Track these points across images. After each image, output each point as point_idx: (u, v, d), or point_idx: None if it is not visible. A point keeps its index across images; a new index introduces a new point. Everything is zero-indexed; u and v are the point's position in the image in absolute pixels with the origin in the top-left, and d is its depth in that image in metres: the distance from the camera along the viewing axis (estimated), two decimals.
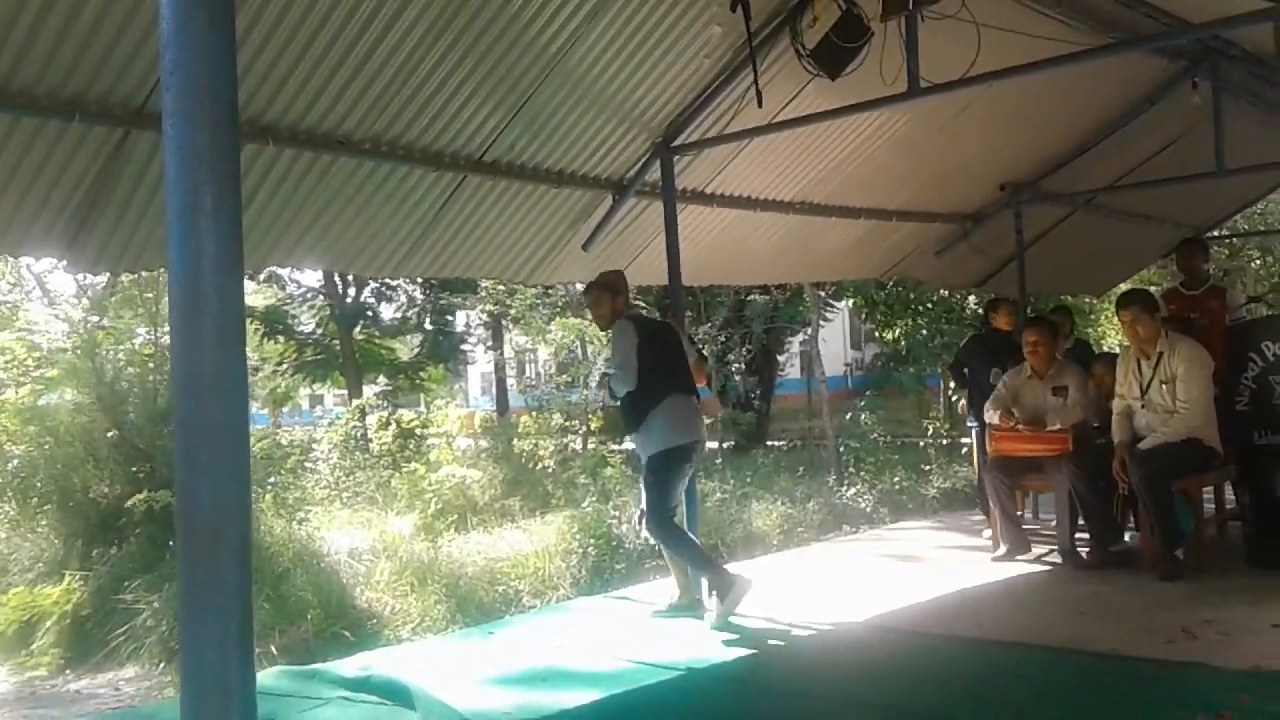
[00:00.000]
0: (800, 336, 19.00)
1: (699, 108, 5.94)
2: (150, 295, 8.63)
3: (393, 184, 5.27)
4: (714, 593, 5.32)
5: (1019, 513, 6.85)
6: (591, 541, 7.47)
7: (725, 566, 5.44)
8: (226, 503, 1.52)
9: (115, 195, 4.46)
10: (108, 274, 8.65)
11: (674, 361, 5.52)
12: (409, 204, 5.45)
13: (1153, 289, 9.93)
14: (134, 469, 7.79)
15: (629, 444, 15.78)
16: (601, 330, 5.78)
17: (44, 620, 6.76)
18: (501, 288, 13.82)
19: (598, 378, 5.74)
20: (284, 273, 18.73)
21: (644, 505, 5.52)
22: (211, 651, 1.51)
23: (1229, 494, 6.77)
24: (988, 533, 6.95)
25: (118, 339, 8.58)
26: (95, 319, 8.97)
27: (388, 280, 19.42)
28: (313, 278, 19.57)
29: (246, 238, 4.96)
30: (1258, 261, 21.06)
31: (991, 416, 6.65)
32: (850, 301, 17.69)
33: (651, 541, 5.69)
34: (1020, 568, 6.32)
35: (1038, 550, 6.55)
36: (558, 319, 14.13)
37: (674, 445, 5.36)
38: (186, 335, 1.51)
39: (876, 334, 20.51)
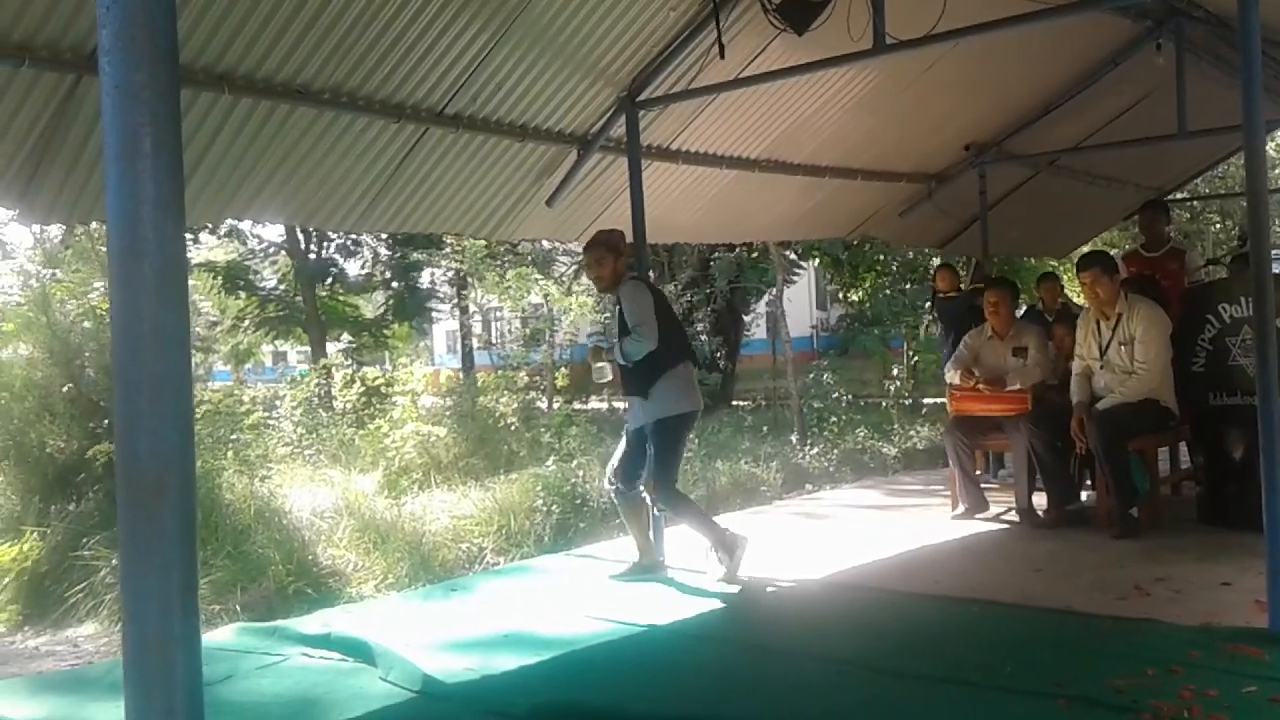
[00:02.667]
0: (766, 297, 19.03)
1: (664, 62, 5.87)
2: (104, 247, 8.47)
3: (352, 135, 5.17)
4: (717, 552, 5.32)
5: (978, 471, 6.93)
6: (555, 499, 7.48)
7: (723, 526, 5.43)
8: (167, 452, 1.49)
9: (67, 144, 4.35)
10: (62, 225, 8.48)
11: (680, 326, 5.54)
12: (369, 156, 5.36)
13: (1114, 251, 10.02)
14: (90, 424, 7.69)
15: (597, 404, 15.72)
16: (601, 291, 5.65)
17: (1, 577, 6.68)
18: (464, 243, 13.70)
19: (589, 345, 5.57)
20: (245, 227, 18.47)
21: (615, 466, 5.52)
22: (154, 604, 1.48)
23: (1184, 454, 6.88)
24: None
25: (72, 292, 8.42)
26: (50, 272, 8.80)
27: (352, 236, 19.22)
28: (275, 233, 19.35)
29: (202, 189, 4.91)
30: (1218, 225, 21.31)
31: (952, 376, 6.71)
32: (815, 262, 17.72)
33: (613, 499, 5.64)
34: (978, 526, 6.41)
35: (996, 509, 6.63)
36: (514, 272, 14.03)
37: (684, 411, 5.35)
38: (125, 280, 1.47)
39: (841, 295, 20.60)
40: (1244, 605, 4.30)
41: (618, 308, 5.37)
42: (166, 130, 1.47)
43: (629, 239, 5.69)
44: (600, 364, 5.43)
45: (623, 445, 5.58)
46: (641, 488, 5.38)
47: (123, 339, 1.50)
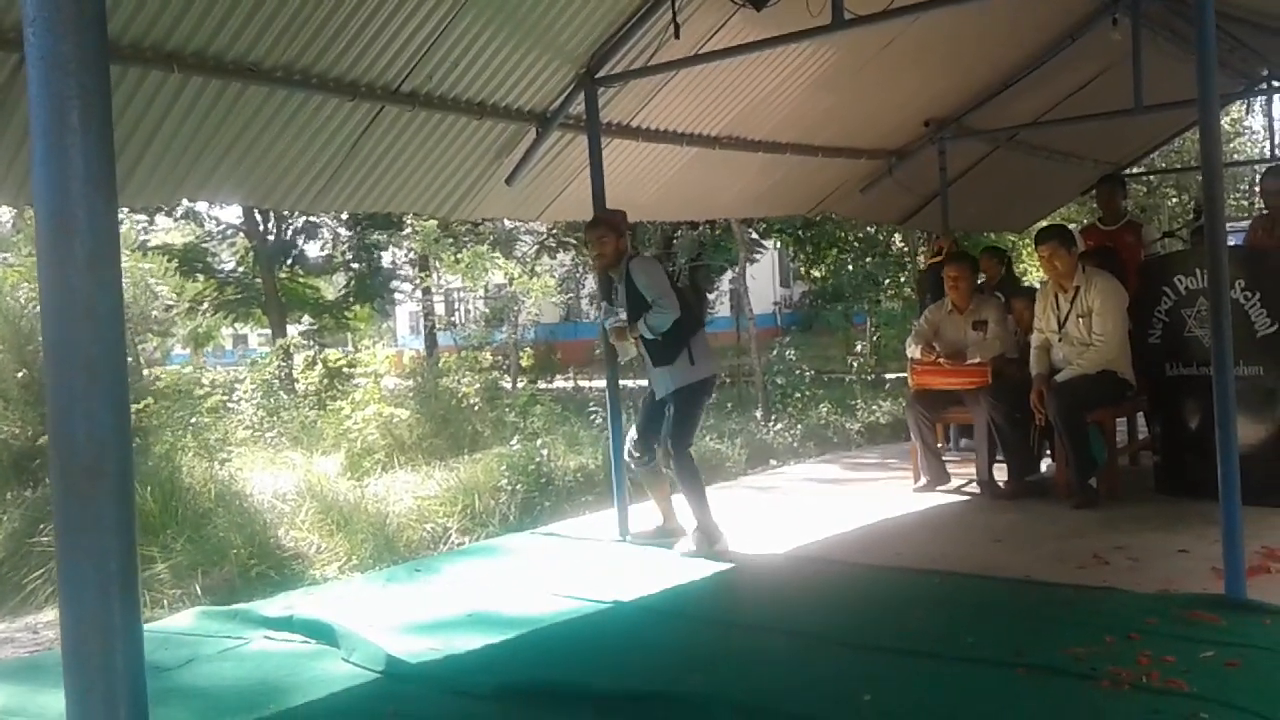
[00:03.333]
0: (729, 275, 19.05)
1: (623, 38, 5.82)
2: None
3: (306, 114, 5.08)
4: (698, 534, 5.45)
5: (939, 445, 6.98)
6: (520, 478, 7.46)
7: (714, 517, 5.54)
8: (104, 435, 1.44)
9: (11, 124, 4.25)
10: (9, 208, 8.32)
11: (687, 296, 5.72)
12: (324, 135, 5.27)
13: (1073, 225, 10.11)
14: (44, 410, 7.58)
15: (562, 383, 15.69)
16: (602, 269, 5.71)
17: None
18: (420, 223, 13.59)
19: (602, 320, 5.63)
20: (202, 209, 18.24)
21: (635, 438, 5.67)
22: (92, 594, 1.44)
23: (1141, 424, 6.97)
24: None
25: (24, 276, 8.28)
26: (0, 256, 8.64)
27: (311, 218, 19.03)
28: (232, 214, 19.11)
29: (154, 170, 4.82)
30: (1174, 199, 21.56)
31: (913, 350, 6.74)
32: (777, 241, 17.76)
33: (633, 471, 5.82)
34: (940, 498, 6.47)
35: (957, 481, 6.69)
36: (469, 251, 13.93)
37: (708, 376, 5.59)
38: (56, 260, 1.42)
39: (804, 271, 20.65)
40: (1201, 572, 4.37)
41: (624, 285, 5.46)
42: (95, 103, 1.42)
43: (587, 216, 5.71)
44: (624, 343, 5.53)
45: (642, 417, 5.72)
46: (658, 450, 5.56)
47: (54, 320, 1.45)
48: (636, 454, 5.69)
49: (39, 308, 6.83)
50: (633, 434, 5.74)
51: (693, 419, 5.59)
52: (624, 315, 5.44)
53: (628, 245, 5.62)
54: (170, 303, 11.73)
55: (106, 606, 1.45)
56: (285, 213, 17.98)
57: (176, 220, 18.74)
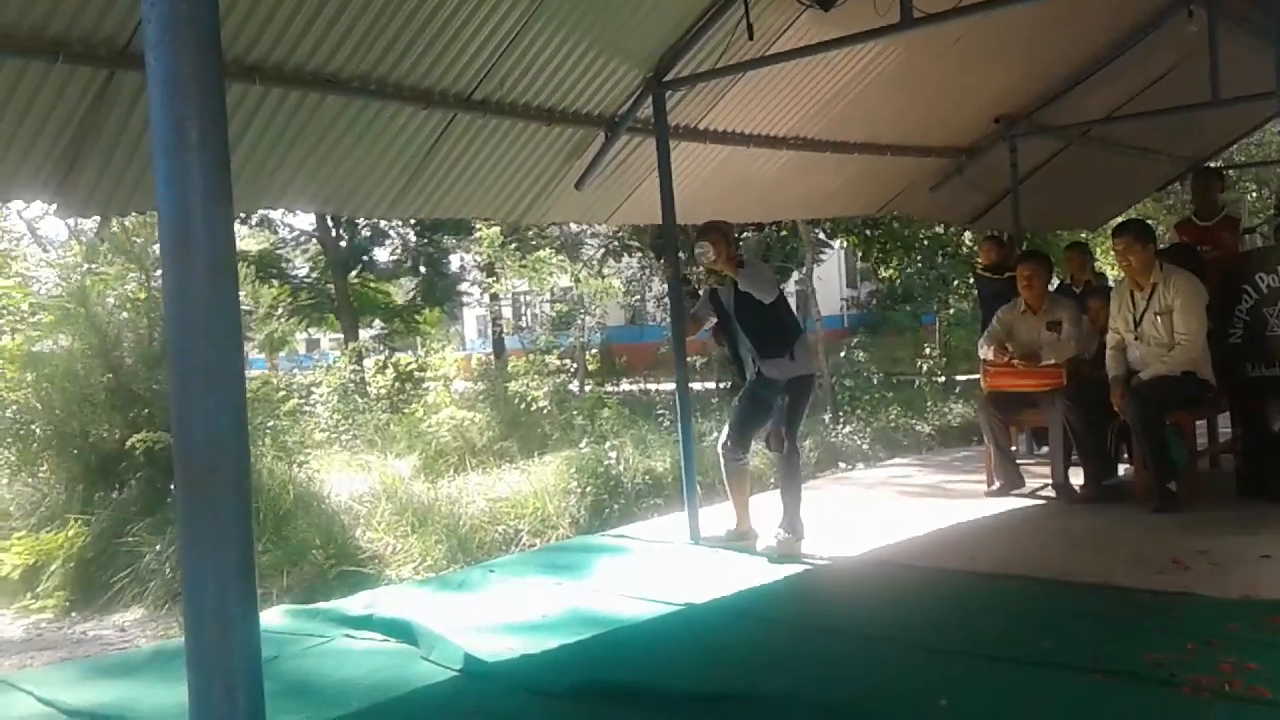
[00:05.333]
0: (795, 276, 18.96)
1: (690, 41, 5.85)
2: (139, 240, 8.57)
3: (382, 123, 5.20)
4: (786, 529, 5.48)
5: (1013, 448, 6.90)
6: (589, 481, 7.52)
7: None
8: (222, 437, 1.53)
9: (102, 137, 4.41)
10: (98, 218, 8.58)
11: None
12: (399, 143, 5.39)
13: (1149, 222, 9.91)
14: (131, 414, 7.81)
15: (629, 385, 15.71)
16: (711, 272, 5.82)
17: (49, 564, 6.81)
18: (485, 230, 13.74)
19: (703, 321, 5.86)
20: (276, 216, 18.65)
21: (734, 432, 5.74)
22: (212, 585, 1.52)
23: (1222, 426, 6.82)
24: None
25: (109, 284, 8.53)
26: (87, 264, 8.91)
27: (381, 223, 19.34)
28: (305, 221, 19.51)
29: (236, 179, 4.92)
30: (1254, 194, 21.00)
31: (986, 352, 6.67)
32: (844, 241, 17.63)
33: (724, 465, 5.86)
34: (1014, 502, 6.38)
35: (1032, 484, 6.60)
36: (534, 256, 14.05)
37: (815, 371, 5.98)
38: (178, 271, 1.51)
39: (872, 271, 20.48)
40: None
41: (733, 291, 5.55)
42: (212, 122, 1.50)
43: (655, 220, 5.79)
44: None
45: (742, 412, 5.78)
46: (768, 440, 5.66)
47: (176, 329, 1.54)
48: (731, 449, 5.76)
49: (125, 314, 7.04)
50: (729, 429, 5.81)
51: (802, 411, 5.69)
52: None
53: (736, 252, 5.72)
54: (248, 308, 12.00)
55: (225, 599, 1.53)
56: (357, 219, 18.31)
57: (252, 227, 19.17)
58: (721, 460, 5.85)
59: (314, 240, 19.80)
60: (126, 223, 8.62)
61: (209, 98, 1.49)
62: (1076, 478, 6.37)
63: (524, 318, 23.99)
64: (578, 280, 15.75)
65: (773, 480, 8.14)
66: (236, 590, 1.52)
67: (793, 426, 5.55)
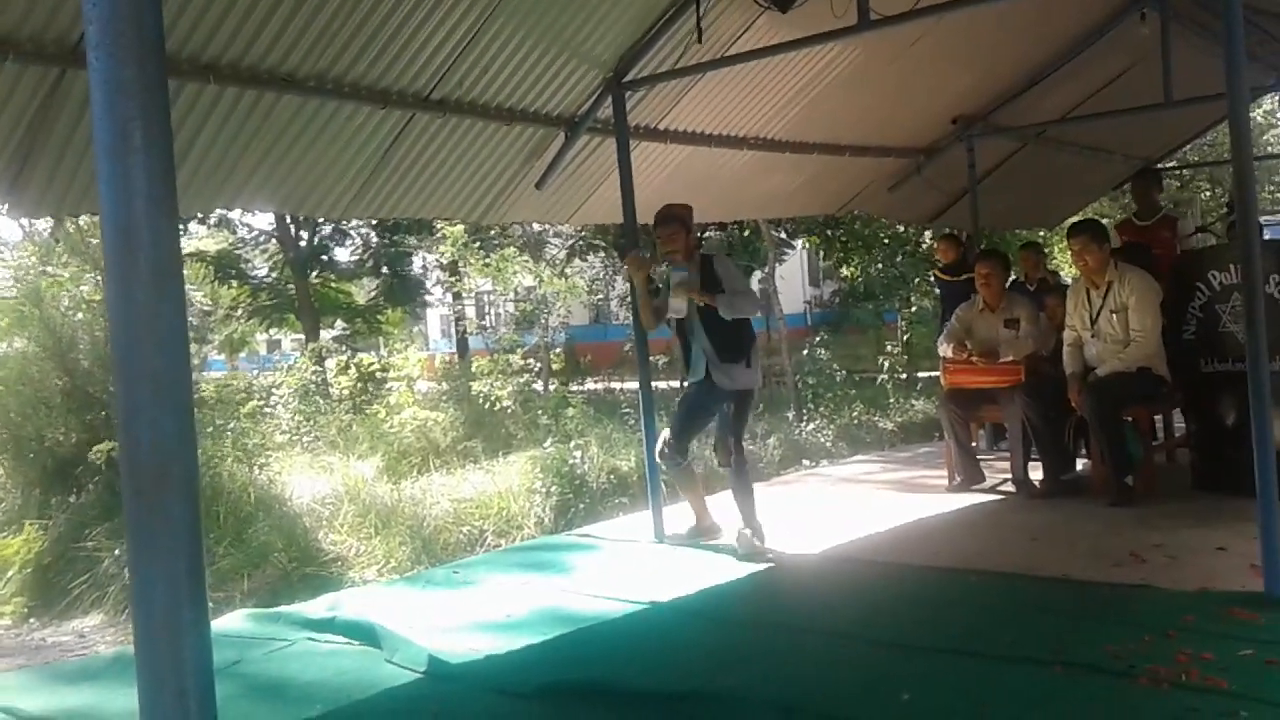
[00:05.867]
0: (759, 275, 19.03)
1: (650, 42, 5.86)
2: (95, 241, 8.47)
3: (339, 123, 5.16)
4: (747, 531, 5.46)
5: (973, 444, 6.97)
6: (554, 480, 7.52)
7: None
8: (169, 442, 1.51)
9: (54, 136, 4.34)
10: (51, 219, 8.46)
11: None
12: (356, 143, 5.34)
13: (1105, 221, 10.04)
14: (88, 417, 7.72)
15: (593, 385, 15.64)
16: (669, 260, 5.66)
17: (5, 571, 6.71)
18: (446, 230, 13.68)
19: (675, 272, 5.55)
20: (235, 216, 18.45)
21: (673, 438, 5.61)
22: (162, 591, 1.51)
23: (1177, 421, 6.92)
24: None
25: (64, 285, 8.42)
26: (42, 266, 8.79)
27: (342, 223, 19.17)
28: (265, 221, 19.31)
29: (191, 180, 4.91)
30: (1207, 193, 21.33)
31: (945, 349, 6.73)
32: (805, 240, 17.72)
33: (666, 470, 5.83)
34: (975, 497, 6.45)
35: (992, 480, 6.67)
36: (498, 255, 14.02)
37: (758, 383, 5.69)
38: (121, 274, 1.49)
39: (834, 270, 20.59)
40: (1239, 569, 4.34)
41: (699, 276, 5.39)
42: (156, 124, 1.48)
43: (616, 220, 5.73)
44: (680, 300, 5.37)
45: (682, 418, 5.69)
46: (715, 451, 5.68)
47: (121, 333, 1.52)
48: (671, 455, 5.64)
49: (80, 315, 6.95)
50: (667, 434, 5.68)
51: (748, 418, 5.69)
52: (685, 270, 5.34)
53: (697, 240, 5.63)
54: (207, 309, 11.85)
55: (176, 604, 1.51)
56: (318, 219, 18.15)
57: (210, 227, 18.95)
58: (663, 466, 5.78)
59: (274, 240, 19.59)
60: (81, 223, 8.50)
61: (153, 99, 1.47)
62: (1036, 473, 6.44)
63: (488, 317, 23.90)
64: (541, 280, 15.72)
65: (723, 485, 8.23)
66: (187, 595, 1.51)
67: (739, 437, 5.52)
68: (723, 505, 5.81)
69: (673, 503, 6.26)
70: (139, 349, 1.49)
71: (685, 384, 5.78)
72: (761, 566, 5.17)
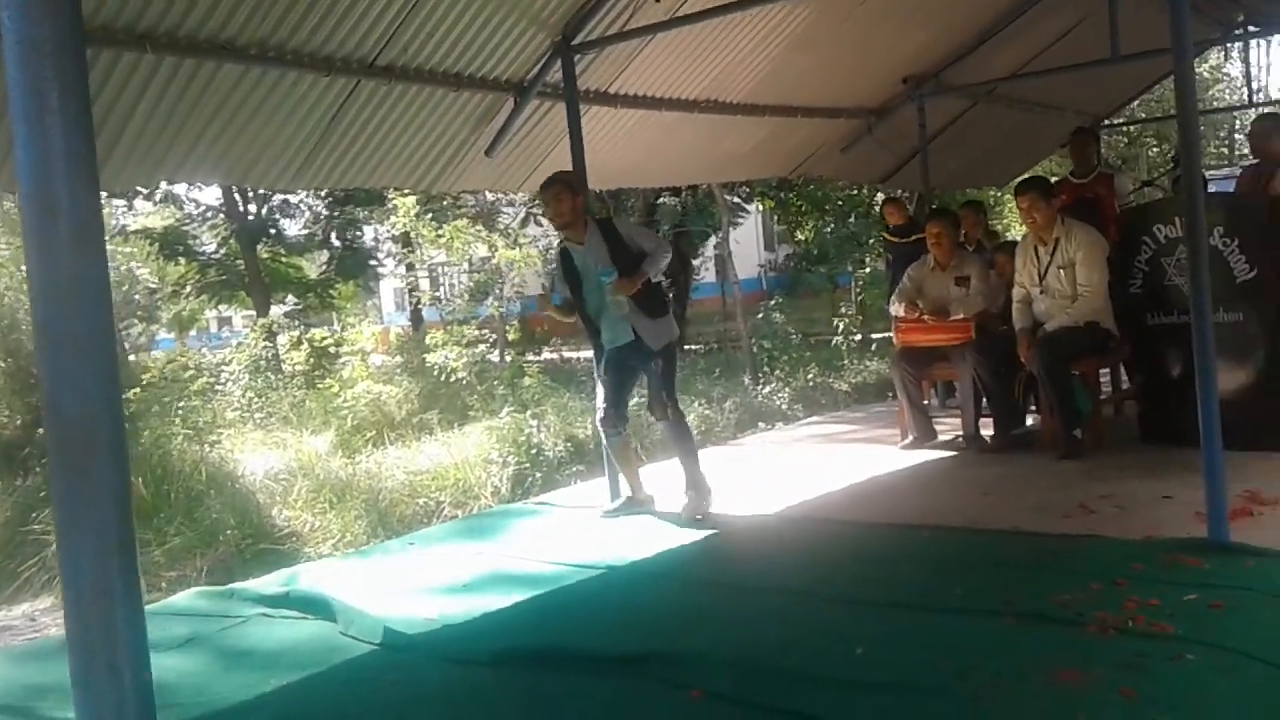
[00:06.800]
0: (713, 240, 19.03)
1: (598, 4, 5.79)
2: None
3: (282, 91, 5.06)
4: (692, 491, 5.43)
5: (925, 402, 7.04)
6: (511, 450, 7.50)
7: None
8: (95, 408, 1.48)
9: None
10: None
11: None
12: (301, 112, 5.25)
13: (1054, 178, 10.14)
14: (31, 398, 7.58)
15: (549, 354, 15.61)
16: (561, 228, 5.55)
17: None
18: (398, 201, 13.53)
19: (605, 279, 5.34)
20: (181, 192, 18.09)
21: (607, 405, 5.49)
22: (91, 561, 1.48)
23: (1124, 375, 7.03)
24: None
25: (3, 265, 8.24)
26: None
27: (289, 196, 18.89)
28: (212, 196, 18.96)
29: (131, 152, 4.80)
30: (1155, 149, 21.60)
31: (897, 309, 6.77)
32: (760, 204, 17.74)
33: (605, 440, 5.68)
34: (927, 454, 6.52)
35: (944, 437, 6.74)
36: (450, 226, 13.91)
37: (679, 334, 5.73)
38: (41, 239, 1.45)
39: (788, 234, 20.65)
40: (1185, 517, 4.43)
41: (601, 243, 5.31)
42: (73, 84, 1.44)
43: (572, 176, 5.64)
44: (622, 297, 5.28)
45: (613, 386, 5.53)
46: (650, 409, 5.58)
47: (42, 298, 1.48)
48: (609, 423, 5.54)
49: (22, 295, 6.81)
50: (601, 402, 5.56)
51: (676, 375, 5.58)
52: (614, 273, 5.24)
53: (585, 204, 5.51)
54: (153, 287, 11.70)
55: (106, 574, 1.48)
56: (264, 192, 17.86)
57: (156, 204, 18.59)
58: (603, 436, 5.66)
59: (221, 215, 19.26)
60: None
61: (69, 60, 1.43)
62: (987, 429, 6.52)
63: (441, 289, 23.74)
64: (495, 250, 15.60)
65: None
66: (117, 566, 1.48)
67: (672, 390, 5.46)
68: (668, 472, 5.82)
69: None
70: (61, 314, 1.46)
71: (604, 349, 5.55)
72: (716, 529, 5.19)
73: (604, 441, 5.72)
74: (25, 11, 1.39)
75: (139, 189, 14.44)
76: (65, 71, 1.42)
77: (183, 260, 18.84)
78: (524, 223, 20.06)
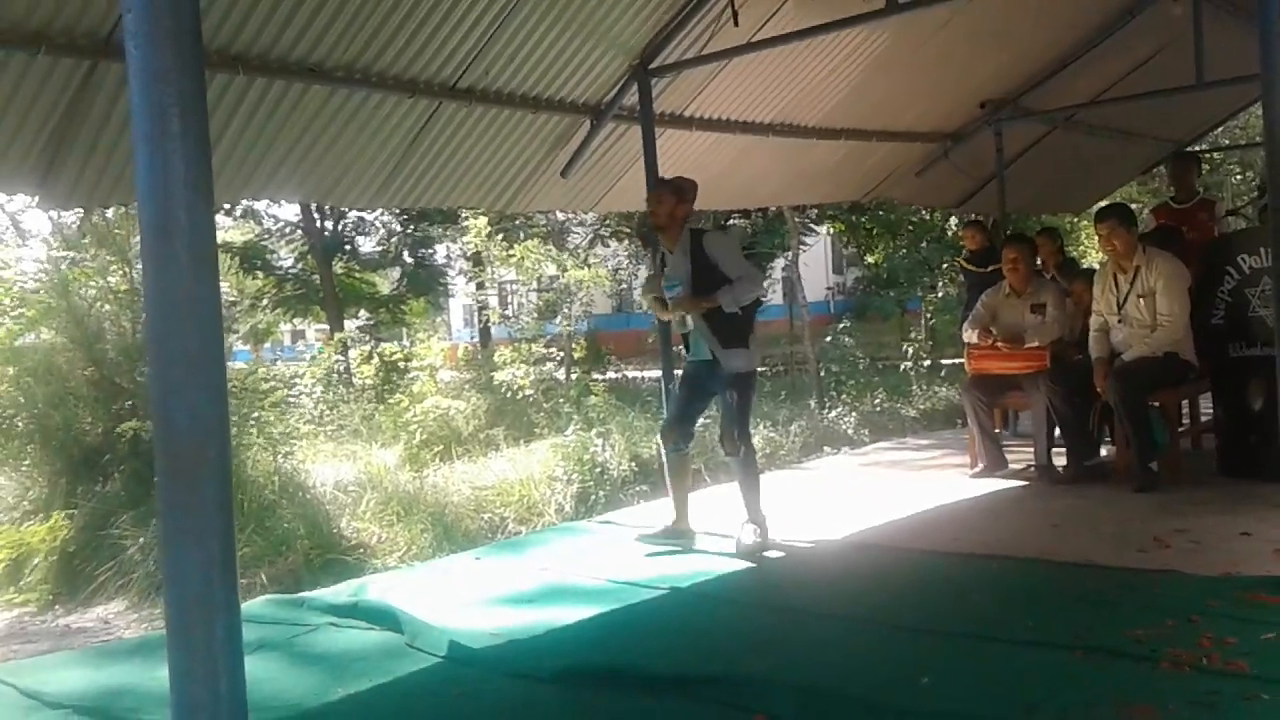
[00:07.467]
0: (781, 262, 18.98)
1: (676, 28, 5.86)
2: (121, 232, 8.53)
3: (366, 112, 5.20)
4: (752, 525, 5.26)
5: (997, 430, 6.94)
6: (576, 468, 7.53)
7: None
8: (204, 423, 1.55)
9: (85, 128, 4.40)
10: (81, 210, 8.54)
11: None
12: (384, 133, 5.39)
13: (1134, 205, 9.97)
14: (114, 406, 7.78)
15: (614, 374, 15.67)
16: (655, 229, 5.35)
17: (32, 558, 6.79)
18: (471, 221, 13.72)
19: (669, 292, 5.23)
20: (261, 207, 18.56)
21: (674, 422, 5.43)
22: (194, 572, 1.54)
23: (1204, 406, 6.87)
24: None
25: (91, 277, 8.49)
26: (68, 257, 8.86)
27: (366, 214, 19.26)
28: (290, 212, 19.40)
29: (220, 170, 4.96)
30: (1238, 176, 21.10)
31: (970, 335, 6.70)
32: (830, 227, 17.66)
33: (665, 456, 5.56)
34: (998, 483, 6.42)
35: (1015, 466, 6.64)
36: (521, 246, 14.06)
37: (758, 364, 5.41)
38: (158, 259, 1.52)
39: (858, 257, 20.52)
40: (1263, 555, 4.32)
41: (686, 256, 5.16)
42: (193, 110, 1.51)
43: (641, 207, 5.60)
44: (679, 314, 5.22)
45: (681, 403, 5.47)
46: (721, 442, 5.40)
47: (157, 316, 1.55)
48: (674, 440, 5.46)
49: (107, 306, 7.01)
50: (670, 419, 5.51)
51: (752, 403, 5.38)
52: (680, 287, 5.14)
53: (688, 212, 5.26)
54: (233, 299, 11.95)
55: (208, 585, 1.54)
56: (341, 209, 18.22)
57: (236, 219, 19.07)
58: (662, 452, 5.54)
59: (299, 230, 19.69)
60: (108, 214, 8.58)
61: (190, 86, 1.50)
62: (1059, 459, 6.41)
63: (510, 307, 23.98)
64: (564, 269, 15.74)
65: (760, 465, 8.20)
66: (219, 576, 1.54)
67: (745, 426, 5.28)
68: (727, 499, 5.78)
69: (693, 490, 6.25)
70: (175, 333, 1.53)
71: (685, 362, 5.44)
72: (783, 552, 5.16)
73: (663, 456, 5.59)
74: (150, 39, 1.46)
75: (223, 205, 14.82)
76: (186, 97, 1.49)
77: (260, 274, 19.25)
78: (593, 243, 20.21)
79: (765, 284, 5.30)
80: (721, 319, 5.13)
